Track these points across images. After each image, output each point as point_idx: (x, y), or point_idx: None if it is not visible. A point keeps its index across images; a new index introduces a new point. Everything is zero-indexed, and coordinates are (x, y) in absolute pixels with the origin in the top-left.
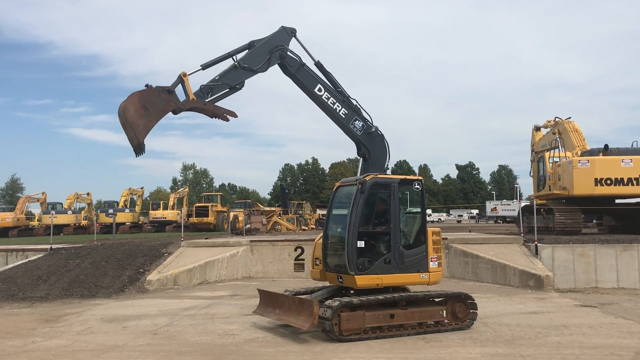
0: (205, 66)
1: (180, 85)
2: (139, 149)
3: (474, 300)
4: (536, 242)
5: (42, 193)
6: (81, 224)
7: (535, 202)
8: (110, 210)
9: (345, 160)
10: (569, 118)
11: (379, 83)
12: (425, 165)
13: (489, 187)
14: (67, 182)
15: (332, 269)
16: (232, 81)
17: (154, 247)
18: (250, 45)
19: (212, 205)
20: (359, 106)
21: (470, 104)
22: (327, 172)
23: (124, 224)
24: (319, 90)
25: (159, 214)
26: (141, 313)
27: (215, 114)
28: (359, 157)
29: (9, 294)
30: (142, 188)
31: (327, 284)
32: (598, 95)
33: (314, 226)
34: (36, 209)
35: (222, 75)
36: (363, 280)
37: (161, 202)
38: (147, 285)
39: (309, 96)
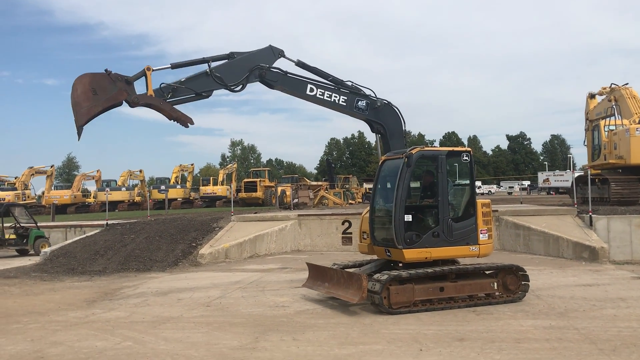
0: (175, 66)
1: (144, 78)
2: (78, 132)
3: (525, 271)
4: (590, 213)
5: (97, 171)
6: (135, 200)
7: (589, 172)
8: (163, 187)
9: None
10: (626, 84)
11: (427, 53)
12: (475, 137)
13: (541, 158)
14: (120, 160)
15: (379, 242)
16: (199, 87)
17: (205, 221)
18: (229, 56)
19: (260, 181)
20: (356, 85)
21: (521, 72)
22: (373, 145)
23: (175, 199)
24: (311, 90)
25: (209, 189)
26: (194, 286)
27: (171, 116)
28: (375, 134)
29: (69, 268)
30: (192, 164)
31: (375, 257)
32: None
33: (360, 200)
34: (92, 187)
35: (190, 78)
36: (411, 254)
37: (211, 178)
38: (200, 259)
39: (303, 99)
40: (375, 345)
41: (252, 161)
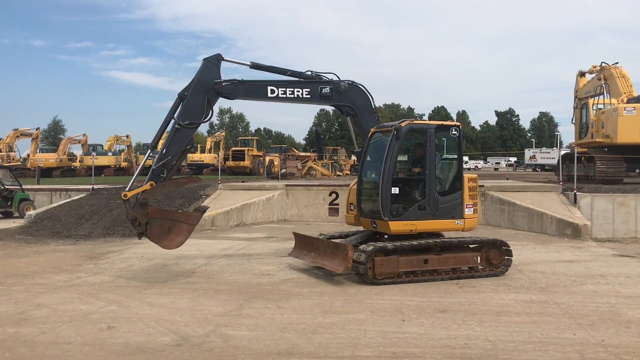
0: (153, 144)
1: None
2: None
3: (509, 246)
4: (575, 191)
5: (83, 135)
6: (121, 166)
7: (576, 150)
8: (151, 153)
9: (382, 105)
10: (616, 63)
11: (418, 25)
12: (464, 112)
13: (529, 135)
14: (107, 124)
15: (366, 214)
16: (180, 145)
17: (192, 189)
18: (181, 97)
19: (248, 150)
20: (317, 74)
21: (512, 48)
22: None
23: None
24: (272, 92)
25: (196, 157)
26: (180, 252)
27: (177, 187)
28: (346, 116)
29: (54, 231)
30: None
31: (361, 228)
32: None
33: (348, 172)
34: (78, 151)
35: (167, 146)
36: (397, 226)
37: (198, 145)
38: None
39: (266, 101)
40: (358, 314)
41: (240, 130)
